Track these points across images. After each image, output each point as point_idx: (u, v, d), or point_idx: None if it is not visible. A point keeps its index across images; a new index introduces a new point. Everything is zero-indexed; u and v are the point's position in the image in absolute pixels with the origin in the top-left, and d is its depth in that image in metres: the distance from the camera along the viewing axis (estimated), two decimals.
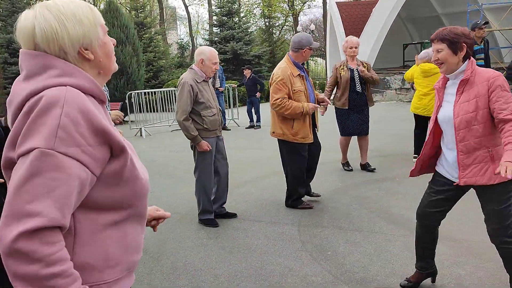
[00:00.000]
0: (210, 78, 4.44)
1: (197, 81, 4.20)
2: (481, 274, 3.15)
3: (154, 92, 13.21)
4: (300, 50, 4.51)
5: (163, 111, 12.70)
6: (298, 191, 4.78)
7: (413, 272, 3.18)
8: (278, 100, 4.39)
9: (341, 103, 5.98)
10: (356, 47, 5.92)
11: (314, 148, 4.80)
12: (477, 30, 7.17)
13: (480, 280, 3.08)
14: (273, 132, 4.69)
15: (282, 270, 3.44)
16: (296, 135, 4.52)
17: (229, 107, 12.79)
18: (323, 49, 34.32)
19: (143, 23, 22.33)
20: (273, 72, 4.59)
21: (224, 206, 4.66)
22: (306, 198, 4.97)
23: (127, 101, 12.05)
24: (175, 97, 12.65)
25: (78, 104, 1.13)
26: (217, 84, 10.66)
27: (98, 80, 1.28)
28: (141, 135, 11.28)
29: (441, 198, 2.79)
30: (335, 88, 6.14)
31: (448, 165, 2.72)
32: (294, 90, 4.42)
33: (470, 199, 4.02)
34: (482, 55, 7.23)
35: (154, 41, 22.64)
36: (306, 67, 4.78)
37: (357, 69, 5.91)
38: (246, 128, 11.40)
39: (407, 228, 4.02)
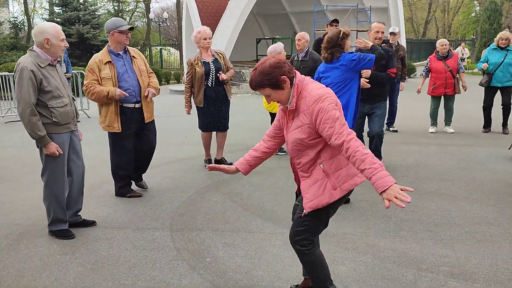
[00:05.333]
0: (58, 61, 3.72)
1: (40, 66, 3.46)
2: (361, 269, 3.17)
3: None
4: (109, 34, 4.42)
5: None
6: (120, 181, 4.74)
7: (297, 273, 3.06)
8: (85, 86, 4.39)
9: (198, 100, 5.60)
10: (210, 38, 5.55)
11: (144, 144, 4.77)
12: (328, 27, 7.63)
13: (360, 275, 3.09)
14: None
15: (158, 285, 3.00)
16: (103, 123, 4.52)
17: (77, 96, 11.50)
18: (175, 39, 33.59)
19: None
20: None
21: (79, 214, 3.98)
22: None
23: None
24: (9, 82, 10.90)
25: None
26: (63, 70, 9.43)
27: None
28: None
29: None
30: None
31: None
32: (101, 77, 4.37)
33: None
34: None
35: None
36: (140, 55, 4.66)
37: (212, 62, 5.56)
38: None
39: (283, 225, 3.91)
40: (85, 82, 4.40)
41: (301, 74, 2.45)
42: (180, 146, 7.28)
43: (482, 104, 8.02)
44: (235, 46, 16.58)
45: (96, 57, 4.43)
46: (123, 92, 4.36)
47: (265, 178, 5.36)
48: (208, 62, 5.56)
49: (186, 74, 5.68)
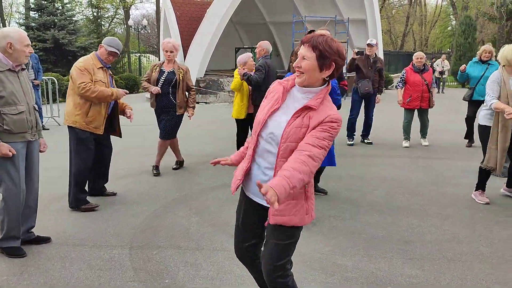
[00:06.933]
0: (24, 68, 3.54)
1: None
2: None
3: None
4: (99, 45, 4.55)
5: None
6: (79, 188, 4.53)
7: None
8: (83, 84, 4.31)
9: (151, 103, 5.87)
10: (171, 51, 5.65)
11: (107, 150, 4.86)
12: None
13: None
14: (66, 120, 4.50)
15: None
16: (90, 123, 4.45)
17: (48, 103, 11.17)
18: (155, 46, 33.28)
19: None
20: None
21: (32, 230, 3.74)
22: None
23: None
24: None
25: None
26: (31, 76, 9.12)
27: None
28: None
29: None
30: None
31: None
32: (95, 79, 4.40)
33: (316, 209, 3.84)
34: None
35: None
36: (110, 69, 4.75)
37: (167, 72, 5.65)
38: None
39: None
40: (80, 81, 4.31)
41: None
42: (149, 156, 7.04)
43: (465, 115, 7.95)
44: (214, 55, 16.43)
45: (89, 60, 4.46)
46: (126, 91, 4.62)
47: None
48: (164, 71, 5.70)
49: (145, 75, 5.93)
